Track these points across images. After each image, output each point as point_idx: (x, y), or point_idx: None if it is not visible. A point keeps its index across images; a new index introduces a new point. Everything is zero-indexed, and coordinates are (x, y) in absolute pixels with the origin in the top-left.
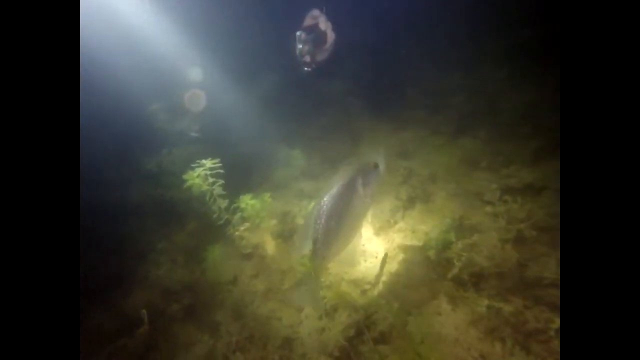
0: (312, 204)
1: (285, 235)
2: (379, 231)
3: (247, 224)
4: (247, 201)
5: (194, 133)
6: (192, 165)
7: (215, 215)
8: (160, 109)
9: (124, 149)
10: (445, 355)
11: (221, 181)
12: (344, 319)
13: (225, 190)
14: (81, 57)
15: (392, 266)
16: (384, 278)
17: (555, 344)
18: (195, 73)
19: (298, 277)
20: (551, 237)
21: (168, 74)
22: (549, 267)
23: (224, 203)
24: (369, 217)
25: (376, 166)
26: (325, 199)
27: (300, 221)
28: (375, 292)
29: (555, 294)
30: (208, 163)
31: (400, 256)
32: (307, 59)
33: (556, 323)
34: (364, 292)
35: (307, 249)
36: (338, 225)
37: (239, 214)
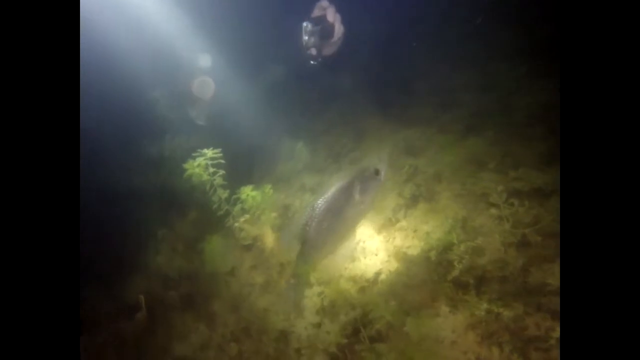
0: (311, 200)
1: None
2: (380, 229)
3: (246, 216)
4: (248, 192)
5: (201, 122)
6: (194, 154)
7: (215, 206)
8: (164, 94)
9: (125, 134)
10: (441, 358)
11: (222, 171)
12: (341, 315)
13: (226, 181)
14: (81, 38)
15: (392, 265)
16: (383, 276)
17: (555, 353)
18: (203, 59)
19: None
20: (557, 243)
21: (173, 59)
22: (553, 274)
23: (224, 194)
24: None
25: (377, 173)
26: (319, 201)
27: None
28: (374, 290)
29: (557, 301)
30: (209, 152)
31: (401, 255)
32: (313, 52)
33: (557, 332)
34: (362, 289)
35: (294, 248)
36: (329, 229)
37: (239, 205)
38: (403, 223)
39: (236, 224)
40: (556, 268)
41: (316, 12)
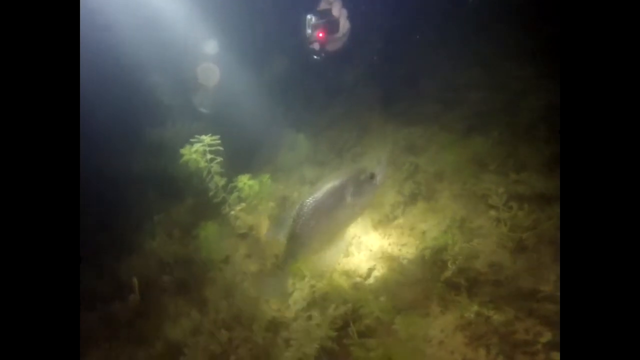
0: (305, 196)
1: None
2: (377, 225)
3: (243, 204)
4: (245, 181)
5: (204, 109)
6: (191, 140)
7: (211, 193)
8: (165, 80)
9: (126, 118)
10: (428, 357)
11: (219, 158)
12: (332, 309)
13: (225, 169)
14: (83, 25)
15: (387, 262)
16: (376, 272)
17: (541, 358)
18: (209, 46)
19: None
20: (554, 249)
21: (178, 45)
22: (547, 281)
23: (221, 181)
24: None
25: (373, 177)
26: (309, 199)
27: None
28: (367, 285)
29: (549, 308)
30: (207, 139)
31: (396, 252)
32: (316, 46)
33: (546, 337)
34: (355, 284)
35: (281, 242)
36: (317, 228)
37: (236, 194)
38: (400, 220)
39: (232, 212)
40: (551, 275)
41: (322, 5)
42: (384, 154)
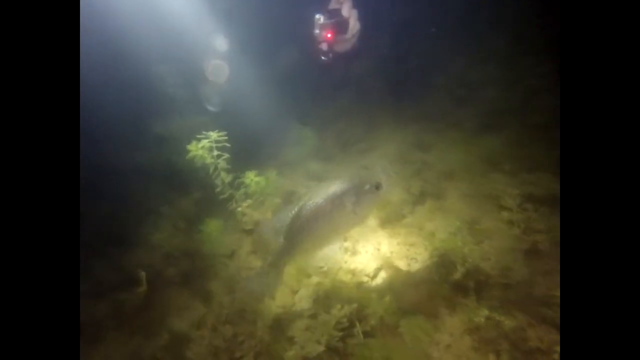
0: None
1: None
2: (385, 224)
3: (249, 201)
4: (252, 178)
5: (212, 107)
6: (198, 135)
7: (218, 189)
8: (175, 72)
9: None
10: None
11: (226, 155)
12: (338, 308)
13: (232, 165)
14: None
15: (394, 261)
16: (383, 272)
17: None
18: (219, 42)
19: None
20: None
21: (187, 37)
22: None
23: (228, 177)
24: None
25: (377, 187)
26: (308, 203)
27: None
28: (373, 284)
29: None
30: (214, 135)
31: (403, 252)
32: (324, 46)
33: None
34: (360, 283)
35: (275, 240)
36: (312, 232)
37: (242, 190)
38: (409, 219)
39: (239, 209)
40: None
41: (333, 4)
42: (389, 165)
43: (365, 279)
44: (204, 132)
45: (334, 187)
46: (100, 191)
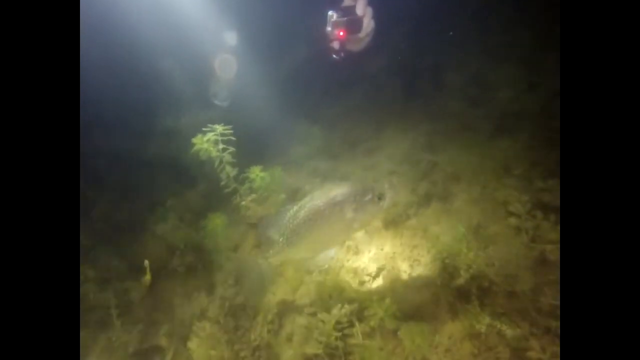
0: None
1: None
2: (388, 224)
3: (254, 195)
4: (257, 173)
5: (220, 102)
6: (204, 129)
7: (223, 183)
8: (183, 65)
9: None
10: None
11: (232, 149)
12: (338, 307)
13: (237, 159)
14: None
15: (396, 263)
16: (385, 273)
17: None
18: (228, 37)
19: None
20: None
21: (195, 31)
22: None
23: (233, 171)
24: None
25: (380, 197)
26: (308, 205)
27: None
28: (374, 285)
29: None
30: (219, 128)
31: (406, 254)
32: (336, 45)
33: None
34: (362, 283)
35: (272, 237)
36: (308, 234)
37: (247, 184)
38: (413, 221)
39: (243, 203)
40: None
41: (347, 2)
42: (396, 179)
43: (367, 278)
44: (209, 126)
45: (335, 192)
46: (108, 179)
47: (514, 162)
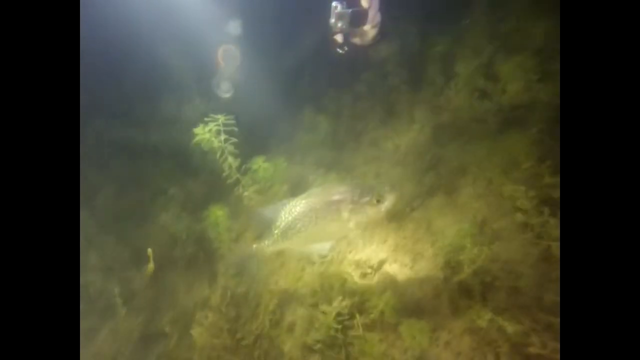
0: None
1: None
2: (391, 216)
3: (256, 186)
4: (260, 164)
5: (223, 93)
6: (205, 119)
7: (225, 174)
8: (185, 55)
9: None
10: (431, 355)
11: (234, 139)
12: (339, 298)
13: (240, 149)
14: None
15: (399, 255)
16: (387, 266)
17: None
18: (232, 26)
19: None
20: None
21: (197, 22)
22: None
23: (235, 162)
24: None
25: (379, 200)
26: (304, 201)
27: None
28: (376, 277)
29: None
30: (221, 118)
31: (409, 247)
32: (339, 38)
33: None
34: (364, 275)
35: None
36: (302, 230)
37: (249, 175)
38: (417, 214)
39: (245, 193)
40: None
41: None
42: (397, 189)
43: (369, 270)
44: (211, 115)
45: (333, 191)
46: (112, 168)
47: (523, 156)
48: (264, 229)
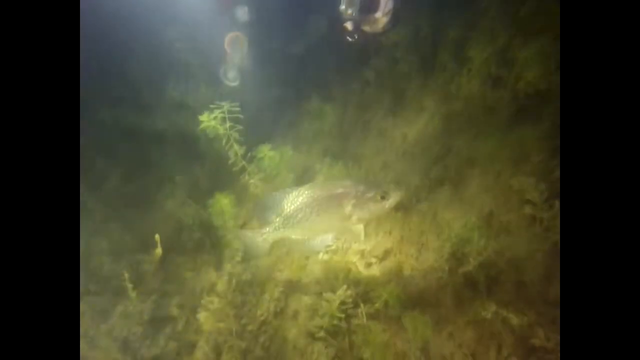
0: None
1: None
2: (398, 208)
3: (262, 174)
4: (266, 152)
5: (230, 82)
6: (211, 105)
7: (230, 161)
8: (187, 39)
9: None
10: (435, 345)
11: (239, 127)
12: (343, 287)
13: (246, 137)
14: None
15: (404, 246)
16: (392, 256)
17: None
18: (239, 13)
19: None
20: None
21: (204, 6)
22: None
23: (241, 150)
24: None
25: (383, 197)
26: (307, 192)
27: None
28: (381, 267)
29: None
30: (226, 105)
31: (414, 238)
32: (349, 26)
33: None
34: (368, 265)
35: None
36: (304, 221)
37: (255, 163)
38: (423, 205)
39: (251, 181)
40: None
41: None
42: (403, 189)
43: (374, 260)
44: (217, 103)
45: (337, 184)
46: (119, 153)
47: (534, 148)
48: (267, 216)
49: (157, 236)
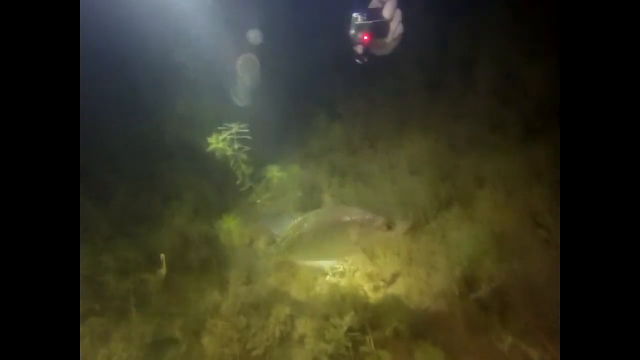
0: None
1: (309, 209)
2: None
3: (269, 193)
4: (274, 173)
5: (240, 102)
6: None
7: (238, 182)
8: (201, 61)
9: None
10: None
11: (247, 148)
12: (351, 312)
13: (253, 155)
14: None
15: (412, 268)
16: (401, 279)
17: None
18: (251, 35)
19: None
20: None
21: (213, 30)
22: None
23: (248, 170)
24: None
25: (389, 226)
26: (313, 219)
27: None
28: (390, 291)
29: None
30: (235, 127)
31: (423, 259)
32: (359, 50)
33: None
34: (377, 288)
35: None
36: (308, 246)
37: (263, 183)
38: (432, 225)
39: (258, 201)
40: None
41: (374, 3)
42: (409, 219)
43: (382, 283)
44: (225, 124)
45: (344, 212)
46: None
47: (547, 167)
48: (272, 235)
49: (162, 256)
